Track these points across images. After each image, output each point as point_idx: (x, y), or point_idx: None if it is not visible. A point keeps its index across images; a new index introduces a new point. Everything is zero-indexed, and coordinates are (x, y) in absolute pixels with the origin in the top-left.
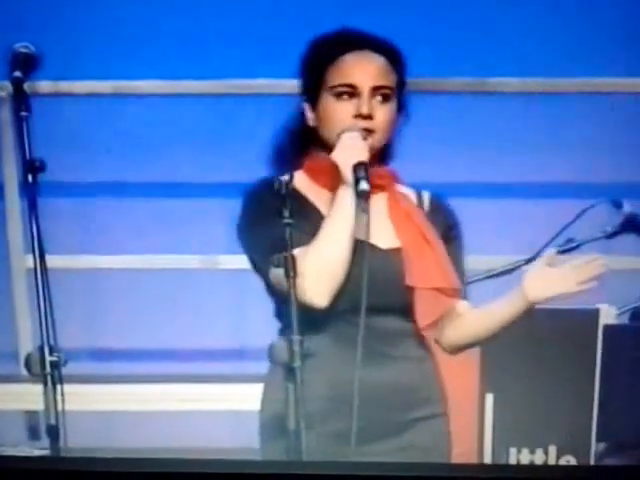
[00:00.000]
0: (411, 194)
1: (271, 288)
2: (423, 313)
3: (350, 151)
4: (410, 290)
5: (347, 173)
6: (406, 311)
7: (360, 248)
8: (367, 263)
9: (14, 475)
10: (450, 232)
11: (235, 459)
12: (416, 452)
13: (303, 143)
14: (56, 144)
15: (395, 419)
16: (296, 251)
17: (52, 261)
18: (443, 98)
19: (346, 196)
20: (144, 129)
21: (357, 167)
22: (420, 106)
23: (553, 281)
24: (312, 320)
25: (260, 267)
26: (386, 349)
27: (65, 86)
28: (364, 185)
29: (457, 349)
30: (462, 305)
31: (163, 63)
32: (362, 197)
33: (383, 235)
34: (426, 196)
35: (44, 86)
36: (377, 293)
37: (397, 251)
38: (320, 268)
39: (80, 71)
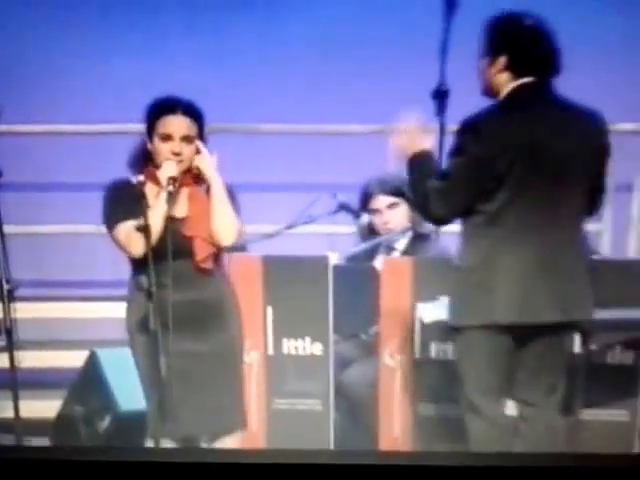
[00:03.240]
0: (203, 187)
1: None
2: (197, 252)
3: (166, 170)
4: (191, 239)
5: (163, 182)
6: (193, 253)
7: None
8: (166, 228)
9: None
10: None
11: (219, 449)
12: (214, 352)
13: (145, 158)
14: (9, 161)
15: (199, 327)
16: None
17: (7, 228)
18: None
19: (162, 194)
20: (60, 152)
21: (168, 179)
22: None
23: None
24: (155, 263)
25: (112, 232)
26: (187, 280)
27: (14, 128)
28: (170, 188)
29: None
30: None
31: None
32: (170, 194)
33: (181, 209)
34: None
35: (1, 128)
36: (175, 244)
37: (186, 218)
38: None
39: (23, 118)
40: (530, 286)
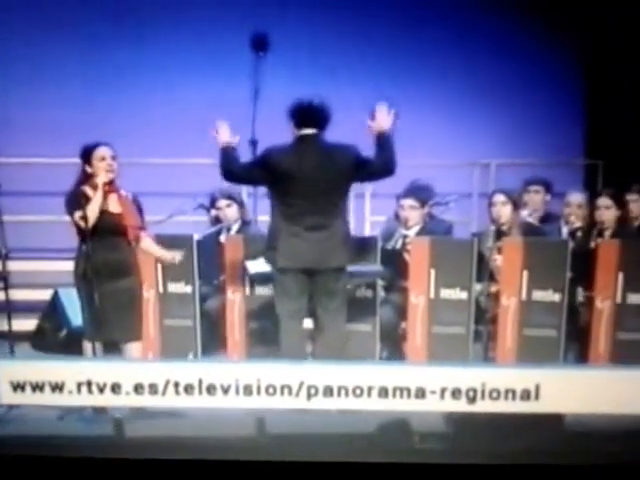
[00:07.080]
0: (129, 194)
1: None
2: (129, 234)
3: (102, 177)
4: (125, 226)
5: (100, 185)
6: (127, 234)
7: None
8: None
9: None
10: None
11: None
12: (125, 290)
13: (85, 177)
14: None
15: (117, 277)
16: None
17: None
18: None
19: (99, 192)
20: (19, 177)
21: (104, 184)
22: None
23: None
24: (95, 238)
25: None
26: (118, 248)
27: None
28: (107, 187)
29: None
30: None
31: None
32: (106, 192)
33: (115, 207)
34: (131, 195)
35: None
36: (116, 228)
37: (120, 213)
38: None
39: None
40: (297, 246)
